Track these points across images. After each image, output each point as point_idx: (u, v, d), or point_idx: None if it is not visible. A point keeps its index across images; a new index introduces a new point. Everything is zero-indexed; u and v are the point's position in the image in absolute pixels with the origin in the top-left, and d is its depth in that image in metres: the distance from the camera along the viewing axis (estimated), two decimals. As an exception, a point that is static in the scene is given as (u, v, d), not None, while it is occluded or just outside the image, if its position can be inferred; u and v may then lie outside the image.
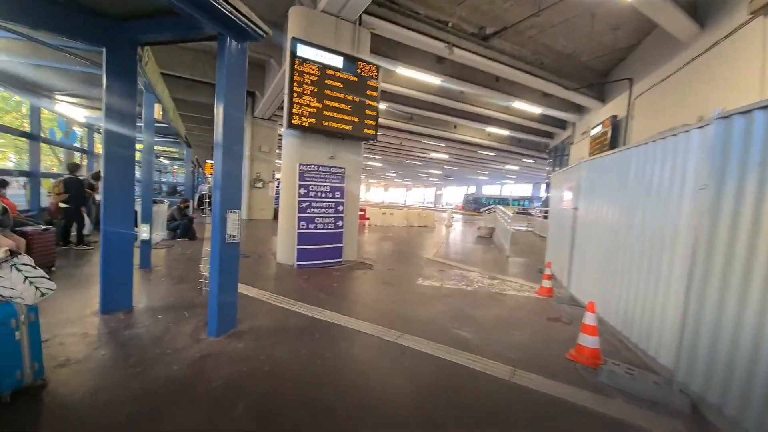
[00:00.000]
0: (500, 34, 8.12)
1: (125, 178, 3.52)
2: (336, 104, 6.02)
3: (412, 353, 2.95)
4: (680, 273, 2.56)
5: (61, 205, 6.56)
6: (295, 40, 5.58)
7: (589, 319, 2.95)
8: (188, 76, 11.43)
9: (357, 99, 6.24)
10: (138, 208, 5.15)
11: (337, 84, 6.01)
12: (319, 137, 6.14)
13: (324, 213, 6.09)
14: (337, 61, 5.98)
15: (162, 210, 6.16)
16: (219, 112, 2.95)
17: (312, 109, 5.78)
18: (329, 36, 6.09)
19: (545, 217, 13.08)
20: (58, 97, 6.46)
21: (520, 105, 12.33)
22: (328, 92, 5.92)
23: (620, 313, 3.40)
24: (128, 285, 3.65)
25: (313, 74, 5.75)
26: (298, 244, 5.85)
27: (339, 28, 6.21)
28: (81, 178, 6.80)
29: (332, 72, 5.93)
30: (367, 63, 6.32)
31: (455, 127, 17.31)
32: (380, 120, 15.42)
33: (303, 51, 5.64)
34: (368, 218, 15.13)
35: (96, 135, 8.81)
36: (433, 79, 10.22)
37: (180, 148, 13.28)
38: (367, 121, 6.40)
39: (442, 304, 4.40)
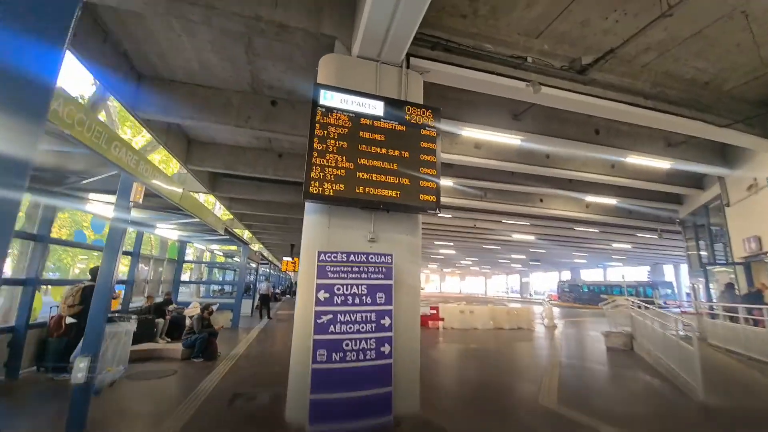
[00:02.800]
0: (603, 63, 5.94)
1: None
2: (375, 163, 4.12)
3: None
4: None
5: (69, 319, 5.37)
6: (318, 87, 4.14)
7: None
8: (249, 174, 11.45)
9: (407, 154, 4.30)
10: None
11: (377, 136, 4.21)
12: (351, 211, 4.14)
13: (358, 332, 3.64)
14: (376, 108, 4.31)
15: (124, 330, 4.40)
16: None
17: (340, 172, 3.94)
18: (368, 84, 4.61)
19: (717, 317, 8.37)
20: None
21: (636, 160, 9.25)
22: (363, 147, 4.12)
23: None
24: None
25: (341, 126, 4.08)
26: (312, 391, 3.35)
27: (381, 74, 4.75)
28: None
29: (368, 122, 4.22)
30: (419, 107, 4.53)
31: (541, 200, 14.37)
32: (446, 200, 13.48)
33: (328, 98, 4.13)
34: (442, 319, 11.94)
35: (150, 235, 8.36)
36: (510, 140, 8.15)
37: (225, 243, 12.68)
38: (423, 184, 4.28)
39: None
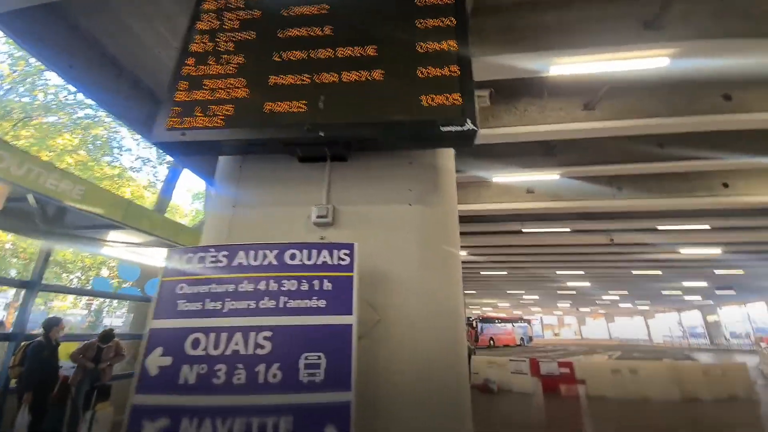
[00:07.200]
0: None
1: None
2: (314, 53, 1.90)
3: None
4: None
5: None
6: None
7: None
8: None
9: (385, 36, 1.94)
10: None
11: (317, 10, 2.03)
12: (279, 167, 1.92)
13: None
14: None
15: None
16: None
17: (233, 83, 1.85)
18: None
19: None
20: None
21: None
22: (291, 33, 1.98)
23: None
24: None
25: (245, 11, 2.08)
26: None
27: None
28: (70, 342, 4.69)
29: (302, -9, 2.10)
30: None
31: (725, 185, 9.07)
32: (556, 204, 9.33)
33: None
34: (582, 381, 7.71)
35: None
36: (647, 65, 4.72)
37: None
38: (425, 73, 1.78)
39: None
